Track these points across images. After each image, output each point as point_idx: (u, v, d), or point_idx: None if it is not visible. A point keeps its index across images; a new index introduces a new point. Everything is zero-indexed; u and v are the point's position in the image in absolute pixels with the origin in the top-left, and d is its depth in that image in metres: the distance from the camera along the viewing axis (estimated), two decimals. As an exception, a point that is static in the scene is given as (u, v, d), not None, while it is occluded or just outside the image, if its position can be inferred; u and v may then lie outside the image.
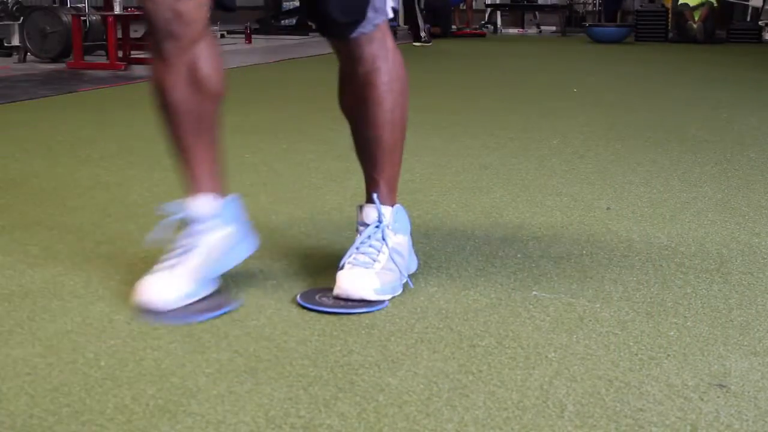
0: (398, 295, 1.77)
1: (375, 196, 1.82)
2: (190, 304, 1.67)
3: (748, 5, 11.76)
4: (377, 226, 1.80)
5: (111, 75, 6.58)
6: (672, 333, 1.59)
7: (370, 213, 1.82)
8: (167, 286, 1.65)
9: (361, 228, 1.82)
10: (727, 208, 2.50)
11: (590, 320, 1.65)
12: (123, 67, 6.91)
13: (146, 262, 1.99)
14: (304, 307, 1.70)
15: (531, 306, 1.73)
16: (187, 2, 1.63)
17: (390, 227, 1.81)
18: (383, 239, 1.79)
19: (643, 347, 1.53)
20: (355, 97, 1.81)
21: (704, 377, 1.41)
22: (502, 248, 2.10)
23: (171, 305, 1.64)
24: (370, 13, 1.73)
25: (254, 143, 3.53)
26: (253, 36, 10.45)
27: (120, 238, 2.17)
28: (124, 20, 7.51)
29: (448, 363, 1.46)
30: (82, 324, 1.61)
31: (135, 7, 8.61)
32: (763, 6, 11.69)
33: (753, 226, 2.32)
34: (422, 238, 2.16)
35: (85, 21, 7.33)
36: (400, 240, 1.82)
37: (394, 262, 1.78)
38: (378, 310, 1.70)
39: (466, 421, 1.27)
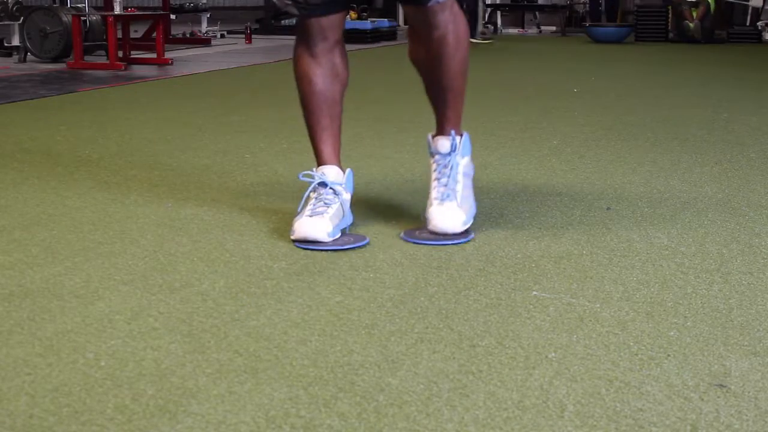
0: (399, 295, 1.77)
1: (453, 131, 2.25)
2: (335, 240, 2.10)
3: (748, 5, 11.76)
4: (449, 154, 2.24)
5: (111, 75, 6.58)
6: (672, 333, 1.59)
7: (443, 143, 2.25)
8: (320, 226, 2.09)
9: (437, 156, 2.25)
10: (727, 208, 2.50)
11: (590, 320, 1.65)
12: (123, 67, 6.91)
13: (146, 262, 1.99)
14: (407, 242, 2.12)
15: (531, 306, 1.73)
16: (335, 16, 2.20)
17: (460, 154, 2.25)
18: (455, 168, 2.22)
19: (643, 347, 1.53)
20: (430, 55, 2.21)
21: (704, 377, 1.41)
22: (502, 248, 2.10)
23: (323, 239, 2.08)
24: None
25: (254, 143, 3.53)
26: (253, 36, 10.45)
27: (120, 238, 2.17)
28: (124, 20, 7.51)
29: (448, 363, 1.46)
30: (82, 324, 1.62)
31: (135, 8, 8.61)
32: (763, 6, 11.69)
33: (753, 226, 2.32)
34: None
35: (85, 21, 7.33)
36: (466, 161, 2.28)
37: (466, 194, 2.23)
38: (467, 241, 2.13)
39: (466, 421, 1.27)
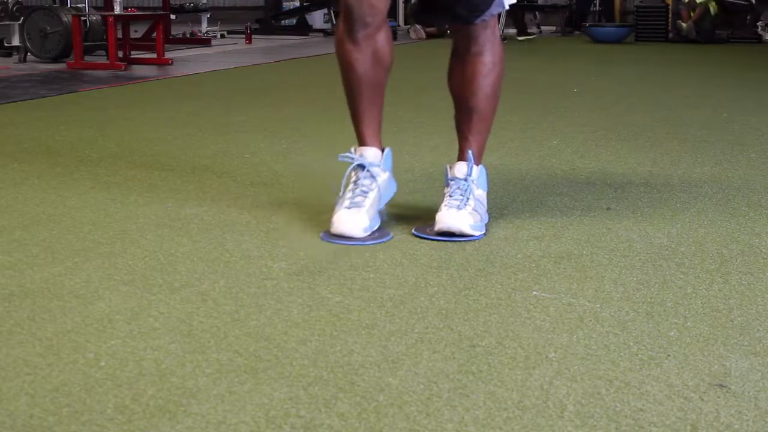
0: (399, 295, 1.77)
1: (470, 153, 2.26)
2: (369, 235, 2.15)
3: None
4: (465, 180, 2.23)
5: (111, 75, 6.57)
6: (672, 333, 1.59)
7: (460, 168, 2.26)
8: (357, 221, 2.14)
9: (451, 182, 2.25)
10: (727, 208, 2.50)
11: (590, 320, 1.65)
12: (123, 67, 6.90)
13: (146, 262, 1.99)
14: (418, 237, 2.16)
15: (531, 306, 1.73)
16: None
17: (475, 182, 2.24)
18: (469, 190, 2.21)
19: (643, 347, 1.53)
20: (464, 74, 2.26)
21: (704, 377, 1.41)
22: (502, 248, 2.10)
23: (359, 235, 2.13)
24: (492, 8, 2.19)
25: (254, 143, 3.53)
26: (253, 36, 10.44)
27: (120, 238, 2.17)
28: (124, 20, 7.50)
29: (448, 363, 1.46)
30: (82, 324, 1.62)
31: (135, 8, 8.60)
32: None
33: (753, 226, 2.32)
34: (422, 241, 2.16)
35: (85, 21, 7.32)
36: (481, 193, 2.27)
37: (478, 209, 2.21)
38: (476, 239, 2.15)
39: (466, 421, 1.27)
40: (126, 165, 3.09)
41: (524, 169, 3.07)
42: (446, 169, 2.31)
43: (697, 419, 1.27)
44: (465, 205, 2.19)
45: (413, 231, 2.22)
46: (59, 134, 3.78)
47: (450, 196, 2.23)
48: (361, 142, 2.27)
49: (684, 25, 10.74)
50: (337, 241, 2.13)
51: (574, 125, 4.10)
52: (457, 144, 2.32)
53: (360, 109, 2.25)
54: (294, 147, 3.43)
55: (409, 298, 1.76)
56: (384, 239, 2.16)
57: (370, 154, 2.24)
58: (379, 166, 2.24)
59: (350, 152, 2.25)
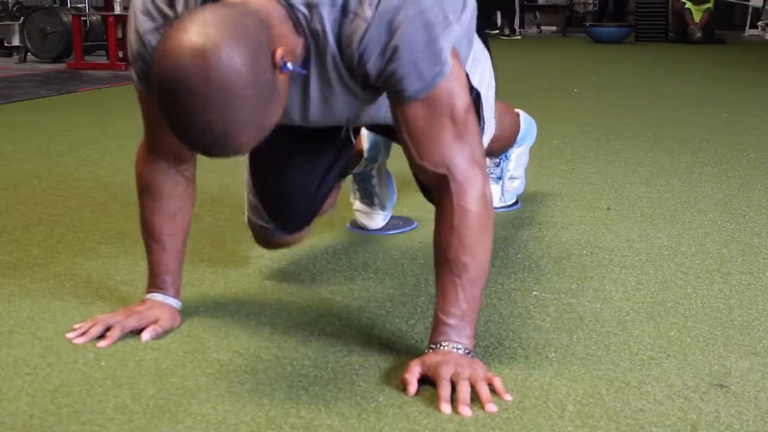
0: (399, 295, 1.77)
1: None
2: (385, 225, 2.26)
3: (748, 5, 11.76)
4: None
5: (111, 75, 6.57)
6: (672, 333, 1.59)
7: None
8: (376, 218, 2.25)
9: None
10: (727, 209, 2.50)
11: (590, 320, 1.65)
12: (123, 67, 6.90)
13: (146, 261, 1.99)
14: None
15: (531, 306, 1.73)
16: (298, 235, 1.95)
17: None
18: None
19: (643, 347, 1.53)
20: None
21: (704, 377, 1.41)
22: (502, 248, 2.10)
23: (376, 227, 2.25)
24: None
25: (254, 143, 3.53)
26: (253, 36, 10.44)
27: (120, 238, 2.17)
28: (125, 20, 7.50)
29: (448, 363, 1.46)
30: (82, 324, 1.61)
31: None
32: (763, 6, 11.69)
33: (753, 226, 2.32)
34: (423, 239, 2.16)
35: (85, 21, 7.33)
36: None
37: None
38: None
39: (467, 421, 1.27)
40: (126, 165, 3.09)
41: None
42: None
43: (697, 419, 1.27)
44: None
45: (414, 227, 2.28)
46: (59, 134, 3.78)
47: None
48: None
49: (697, 31, 10.72)
50: (361, 232, 2.25)
51: (574, 125, 4.10)
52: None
53: None
54: (294, 147, 3.43)
55: (409, 298, 1.76)
56: (407, 228, 2.27)
57: (360, 164, 2.26)
58: (370, 165, 2.27)
59: None
